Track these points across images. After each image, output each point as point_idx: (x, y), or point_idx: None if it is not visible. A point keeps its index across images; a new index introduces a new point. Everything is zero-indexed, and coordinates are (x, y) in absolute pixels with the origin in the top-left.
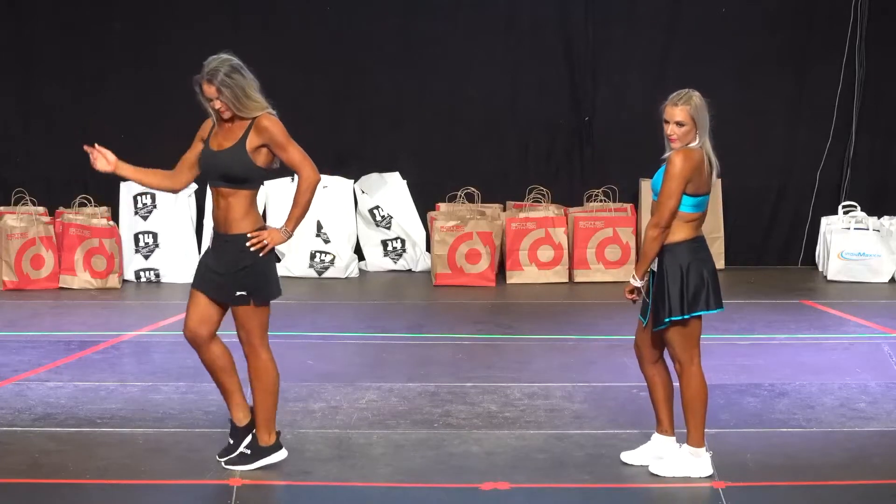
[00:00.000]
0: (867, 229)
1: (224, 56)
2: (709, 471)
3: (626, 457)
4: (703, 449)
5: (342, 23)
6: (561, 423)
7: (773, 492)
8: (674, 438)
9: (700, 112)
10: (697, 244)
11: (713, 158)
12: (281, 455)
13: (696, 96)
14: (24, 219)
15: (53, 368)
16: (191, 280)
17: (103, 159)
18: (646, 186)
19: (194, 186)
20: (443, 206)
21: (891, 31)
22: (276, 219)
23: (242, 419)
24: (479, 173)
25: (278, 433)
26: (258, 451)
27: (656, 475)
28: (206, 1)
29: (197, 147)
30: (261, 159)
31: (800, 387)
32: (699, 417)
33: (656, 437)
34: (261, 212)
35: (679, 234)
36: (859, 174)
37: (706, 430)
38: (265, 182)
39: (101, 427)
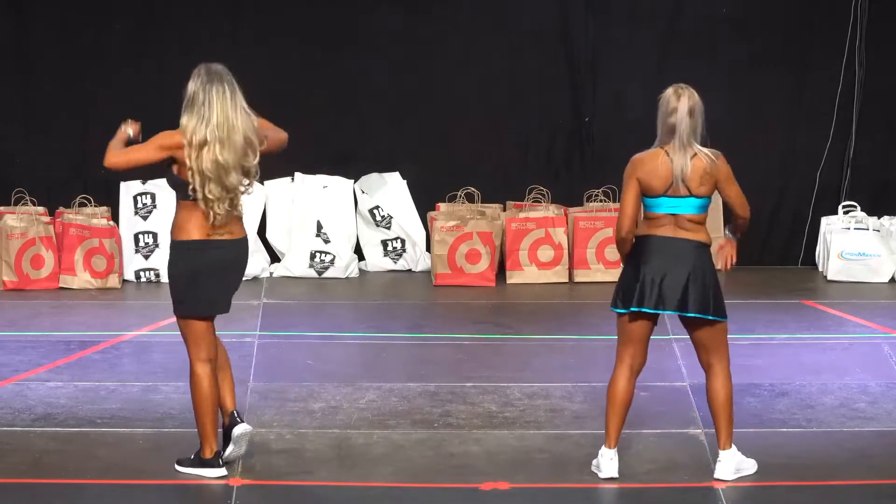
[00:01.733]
0: (867, 229)
1: (217, 64)
2: (611, 473)
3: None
4: (606, 449)
5: (342, 23)
6: (561, 423)
7: (773, 492)
8: (731, 451)
9: (659, 109)
10: (653, 243)
11: (676, 161)
12: (212, 472)
13: (664, 93)
14: (24, 219)
15: (53, 368)
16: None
17: None
18: None
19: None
20: (443, 206)
21: (891, 32)
22: (276, 220)
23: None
24: (479, 173)
25: (218, 452)
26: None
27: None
28: (206, 1)
29: None
30: (174, 168)
31: (800, 387)
32: (606, 417)
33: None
34: (260, 212)
35: (639, 229)
36: (859, 174)
37: (705, 430)
38: (264, 183)
39: (101, 427)
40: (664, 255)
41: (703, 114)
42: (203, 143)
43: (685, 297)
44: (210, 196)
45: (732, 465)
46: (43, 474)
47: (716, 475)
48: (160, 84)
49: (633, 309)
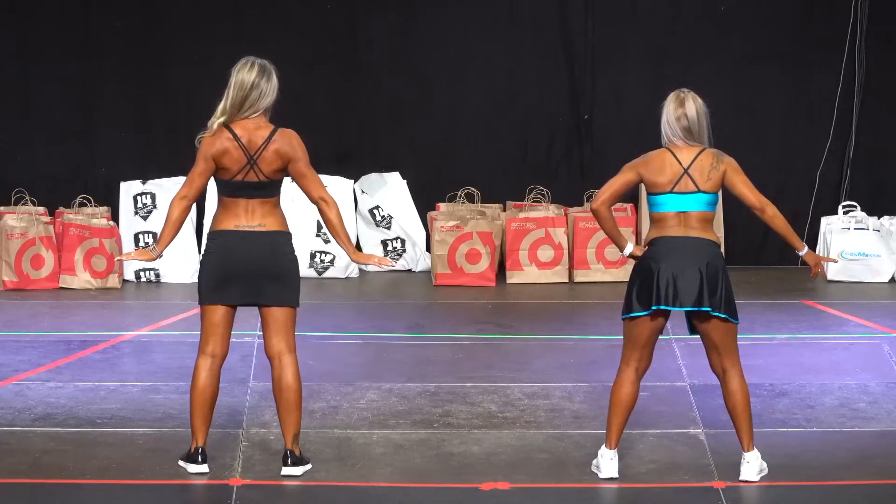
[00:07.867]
0: (867, 229)
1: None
2: (611, 473)
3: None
4: (606, 449)
5: (342, 22)
6: (561, 423)
7: (773, 492)
8: (755, 452)
9: (663, 115)
10: (664, 243)
11: (684, 156)
12: (192, 468)
13: (666, 99)
14: (24, 219)
15: (53, 368)
16: (190, 279)
17: None
18: None
19: None
20: (443, 206)
21: (891, 32)
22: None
23: None
24: (479, 173)
25: (199, 448)
26: None
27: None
28: (207, 1)
29: None
30: None
31: (800, 387)
32: (608, 418)
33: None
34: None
35: (649, 233)
36: (859, 174)
37: (705, 430)
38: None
39: (101, 427)
40: (676, 253)
41: (707, 116)
42: None
43: (702, 293)
44: None
45: (757, 465)
46: (43, 474)
47: (742, 476)
48: (161, 83)
49: (653, 308)
